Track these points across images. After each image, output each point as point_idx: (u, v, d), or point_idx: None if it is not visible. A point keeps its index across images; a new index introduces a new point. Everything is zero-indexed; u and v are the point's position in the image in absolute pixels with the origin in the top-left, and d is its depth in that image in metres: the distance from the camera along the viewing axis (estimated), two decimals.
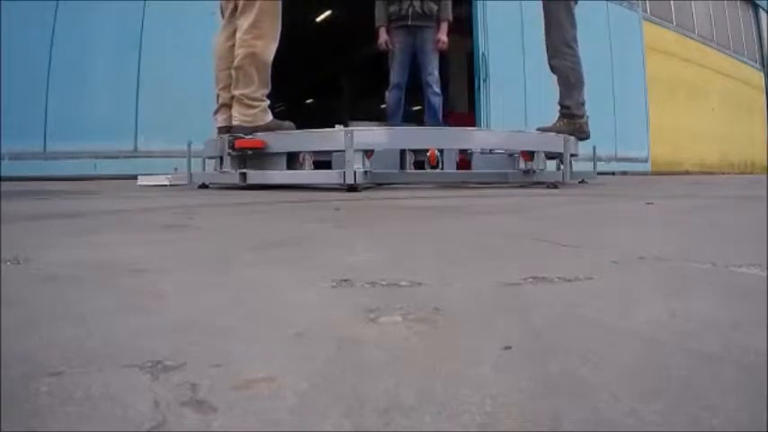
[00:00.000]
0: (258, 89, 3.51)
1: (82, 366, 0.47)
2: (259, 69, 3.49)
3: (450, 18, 5.13)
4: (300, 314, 0.64)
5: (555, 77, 4.00)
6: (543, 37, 4.04)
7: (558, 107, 4.00)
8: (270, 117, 3.56)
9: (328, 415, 0.39)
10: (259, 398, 0.42)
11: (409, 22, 4.94)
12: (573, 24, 3.87)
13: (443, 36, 5.07)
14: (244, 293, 0.75)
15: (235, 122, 3.52)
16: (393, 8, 4.95)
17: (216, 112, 3.71)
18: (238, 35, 3.49)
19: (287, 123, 3.62)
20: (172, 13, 5.56)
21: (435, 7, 5.00)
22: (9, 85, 5.09)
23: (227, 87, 3.59)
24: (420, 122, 5.32)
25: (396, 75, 5.03)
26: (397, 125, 4.86)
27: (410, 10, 4.91)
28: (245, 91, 3.48)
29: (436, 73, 5.08)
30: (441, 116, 5.15)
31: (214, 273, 0.88)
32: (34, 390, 0.42)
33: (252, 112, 3.50)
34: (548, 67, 4.04)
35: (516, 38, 7.37)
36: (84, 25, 5.48)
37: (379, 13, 5.03)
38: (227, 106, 3.62)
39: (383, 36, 5.01)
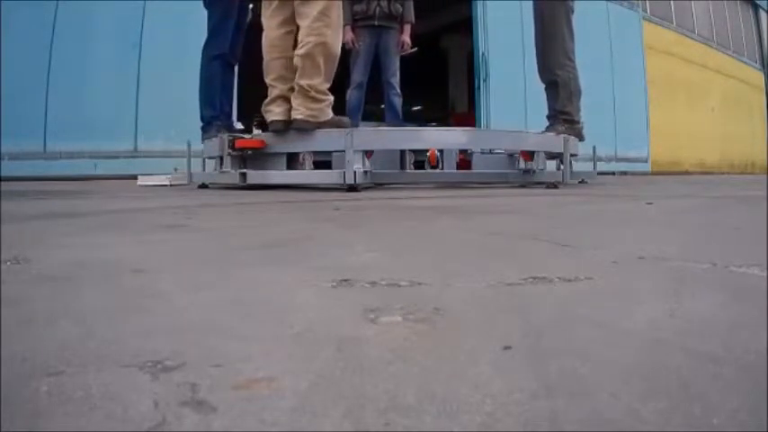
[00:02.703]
0: (324, 82, 3.32)
1: (82, 366, 0.47)
2: (327, 60, 3.29)
3: (413, 20, 5.16)
4: (300, 314, 0.64)
5: (545, 86, 4.23)
6: (537, 47, 4.24)
7: (556, 112, 4.15)
8: (331, 112, 3.39)
9: (328, 415, 0.39)
10: (259, 398, 0.42)
11: (376, 23, 4.94)
12: (572, 38, 4.12)
13: (407, 38, 5.11)
14: (244, 293, 0.74)
15: (298, 116, 3.28)
16: (359, 7, 4.94)
17: (268, 104, 3.41)
18: (305, 23, 3.25)
19: (345, 119, 3.48)
20: (172, 13, 5.56)
21: (401, 9, 5.01)
22: (9, 85, 5.09)
23: (283, 78, 3.35)
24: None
25: (358, 74, 5.02)
26: (357, 125, 4.84)
27: (377, 10, 4.91)
28: (313, 82, 3.26)
29: (398, 74, 5.10)
30: (401, 115, 5.17)
31: (214, 273, 0.88)
32: (34, 390, 0.42)
33: (318, 106, 3.29)
34: (539, 76, 4.27)
35: (516, 38, 7.37)
36: (84, 25, 5.48)
37: (344, 12, 4.99)
38: (283, 98, 3.36)
39: (349, 35, 4.94)
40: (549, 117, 4.21)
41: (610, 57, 8.86)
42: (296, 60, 3.29)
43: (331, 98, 3.38)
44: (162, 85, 5.52)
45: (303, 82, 3.27)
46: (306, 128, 3.28)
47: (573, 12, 4.13)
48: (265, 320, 0.62)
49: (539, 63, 4.22)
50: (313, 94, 3.27)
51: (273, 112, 3.38)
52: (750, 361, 0.48)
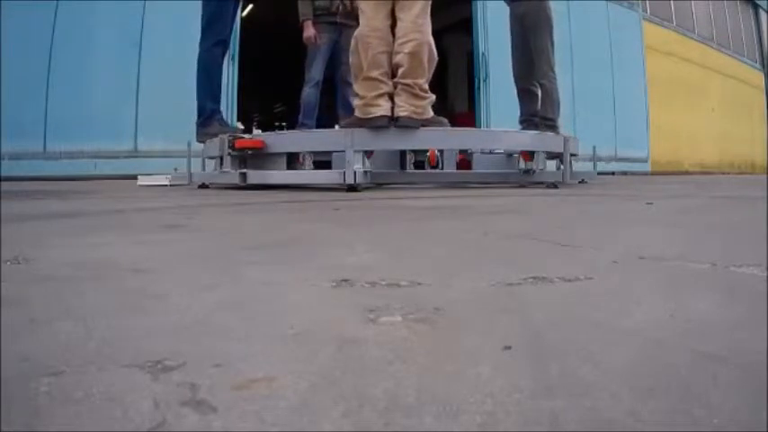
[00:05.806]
0: (426, 81, 3.29)
1: (82, 366, 0.47)
2: (431, 60, 3.28)
3: None
4: (300, 314, 0.64)
5: (519, 91, 4.45)
6: (517, 55, 4.42)
7: (539, 118, 4.28)
8: (432, 111, 3.35)
9: (328, 415, 0.39)
10: (259, 398, 0.42)
11: (338, 20, 4.81)
12: (553, 51, 4.36)
13: None
14: (243, 293, 0.74)
15: (402, 113, 3.24)
16: (322, 3, 4.80)
17: (376, 98, 3.29)
18: (410, 17, 3.21)
19: (444, 119, 3.47)
20: (172, 13, 5.56)
21: None
22: (9, 85, 5.09)
23: (388, 74, 3.28)
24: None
25: (317, 72, 4.83)
26: (313, 125, 4.66)
27: (339, 7, 4.80)
28: (419, 81, 3.23)
29: None
30: None
31: (214, 273, 0.88)
32: (34, 390, 0.42)
33: (422, 103, 3.25)
34: (516, 81, 4.46)
35: None
36: (84, 25, 5.48)
37: (305, 7, 4.81)
38: (389, 95, 3.30)
39: (311, 30, 4.76)
40: (523, 121, 4.36)
41: (610, 57, 8.86)
42: (400, 58, 3.23)
43: (433, 96, 3.35)
44: (162, 85, 5.52)
45: (409, 80, 3.22)
46: (410, 125, 3.25)
47: (553, 25, 4.32)
48: (265, 320, 0.62)
49: (519, 70, 4.39)
50: (417, 91, 3.24)
51: (383, 107, 3.28)
52: (750, 361, 0.48)
